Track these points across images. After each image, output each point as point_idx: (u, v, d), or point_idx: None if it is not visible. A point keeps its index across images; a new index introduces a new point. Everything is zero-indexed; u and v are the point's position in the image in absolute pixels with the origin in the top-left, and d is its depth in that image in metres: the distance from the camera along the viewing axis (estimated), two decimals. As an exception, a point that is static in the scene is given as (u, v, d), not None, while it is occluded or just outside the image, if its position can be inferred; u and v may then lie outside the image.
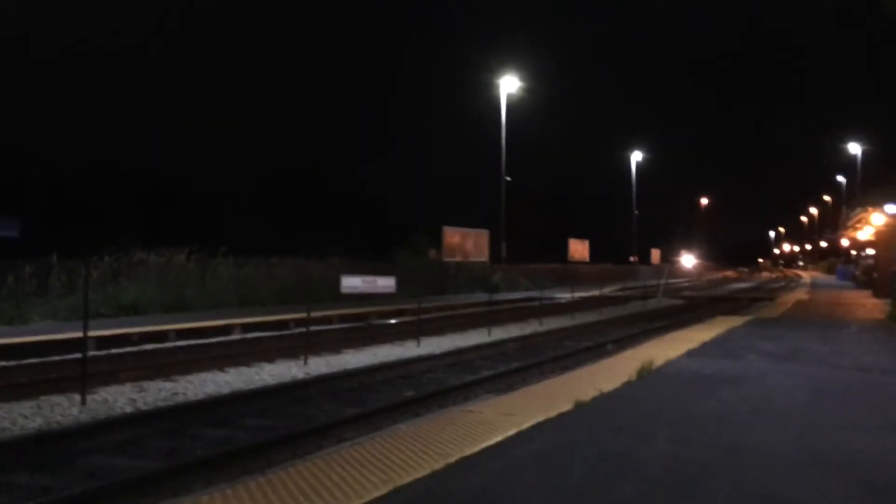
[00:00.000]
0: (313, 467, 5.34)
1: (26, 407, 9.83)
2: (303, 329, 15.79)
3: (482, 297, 30.73)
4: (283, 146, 53.76)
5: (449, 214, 44.32)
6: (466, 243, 42.53)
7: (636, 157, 72.39)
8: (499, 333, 19.75)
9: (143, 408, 10.01)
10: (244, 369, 13.26)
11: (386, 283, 19.96)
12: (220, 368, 13.13)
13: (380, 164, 54.87)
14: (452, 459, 5.50)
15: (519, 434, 6.35)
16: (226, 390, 11.31)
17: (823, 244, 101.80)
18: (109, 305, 20.06)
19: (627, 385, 8.95)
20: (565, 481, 5.09)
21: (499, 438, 6.16)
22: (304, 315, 15.84)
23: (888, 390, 9.00)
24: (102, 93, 41.71)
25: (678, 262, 77.15)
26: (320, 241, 33.16)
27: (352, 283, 19.43)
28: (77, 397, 10.22)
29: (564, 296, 33.35)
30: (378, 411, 9.64)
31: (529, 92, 45.43)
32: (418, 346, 16.87)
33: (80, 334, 10.97)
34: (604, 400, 7.99)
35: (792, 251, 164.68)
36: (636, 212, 72.47)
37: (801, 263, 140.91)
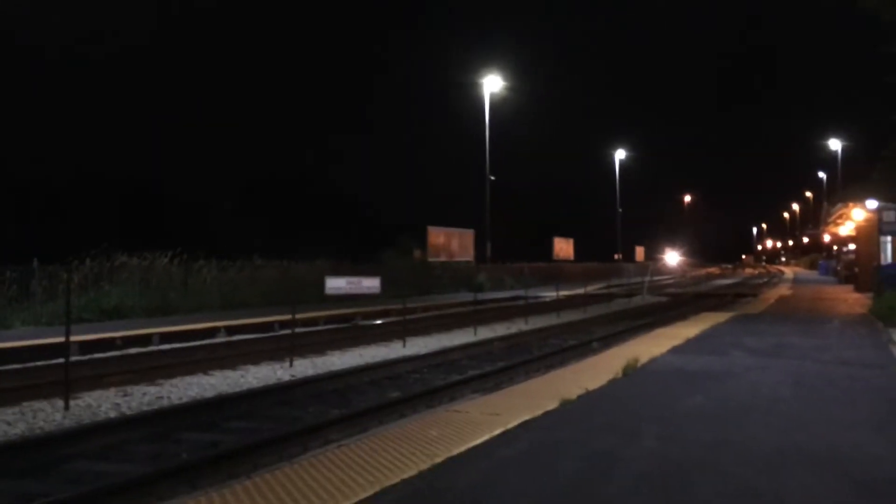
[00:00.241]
0: (300, 469, 5.33)
1: (9, 413, 9.74)
2: (288, 331, 15.74)
3: (468, 296, 30.77)
4: (266, 148, 53.59)
5: (434, 214, 44.41)
6: (451, 243, 42.56)
7: (620, 155, 72.71)
8: (485, 333, 19.77)
9: (128, 412, 9.93)
10: (229, 372, 13.20)
11: (371, 284, 19.91)
12: (205, 372, 13.06)
13: (363, 164, 54.82)
14: (439, 459, 5.50)
15: (505, 433, 6.36)
16: (210, 393, 11.26)
17: (805, 240, 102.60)
18: (92, 310, 19.93)
19: (613, 383, 8.99)
20: (552, 480, 5.10)
21: (485, 438, 6.16)
22: (289, 317, 15.80)
23: (870, 384, 9.07)
24: (81, 97, 41.39)
25: (662, 259, 77.51)
26: (305, 242, 33.11)
27: (336, 284, 19.38)
28: (60, 403, 10.13)
29: (550, 294, 33.43)
30: (364, 412, 9.61)
31: (513, 91, 45.62)
32: (404, 346, 16.85)
33: (63, 339, 10.88)
34: (589, 398, 8.02)
35: (774, 247, 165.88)
36: (620, 210, 72.80)
37: (783, 259, 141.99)
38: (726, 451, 5.84)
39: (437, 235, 41.41)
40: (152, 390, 11.49)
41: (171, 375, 12.52)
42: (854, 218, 33.33)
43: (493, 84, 43.59)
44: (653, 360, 10.86)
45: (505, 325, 22.43)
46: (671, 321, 19.79)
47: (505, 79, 44.07)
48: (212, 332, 18.07)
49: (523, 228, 59.52)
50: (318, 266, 28.89)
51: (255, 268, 27.45)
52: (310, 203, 48.59)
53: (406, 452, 5.71)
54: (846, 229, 39.03)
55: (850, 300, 27.07)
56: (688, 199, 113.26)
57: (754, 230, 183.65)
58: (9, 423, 9.25)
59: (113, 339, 15.72)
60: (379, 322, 22.17)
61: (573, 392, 8.09)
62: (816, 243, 79.51)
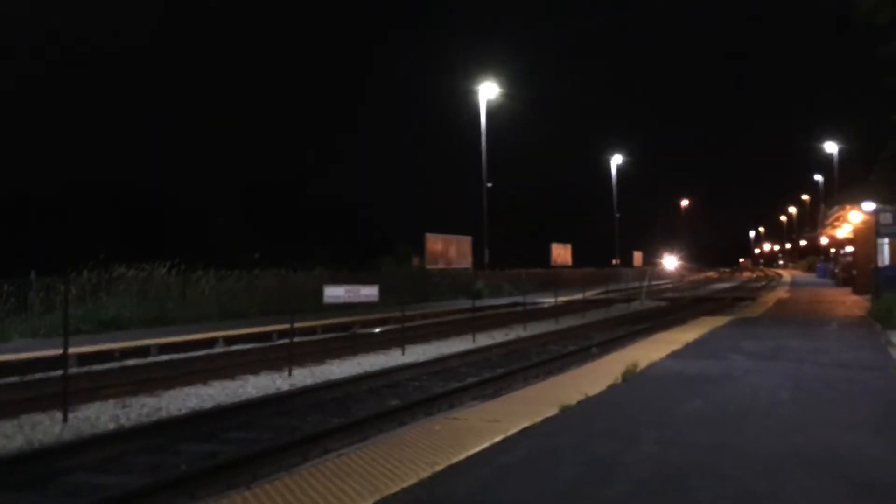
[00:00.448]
0: (299, 479, 5.32)
1: (7, 426, 9.71)
2: (286, 340, 15.72)
3: (466, 303, 30.75)
4: (262, 154, 53.59)
5: (431, 221, 44.41)
6: (449, 250, 42.56)
7: (616, 160, 72.80)
8: (483, 340, 19.76)
9: (126, 424, 9.91)
10: (228, 382, 13.18)
11: (369, 292, 19.91)
12: (204, 382, 13.04)
13: (360, 171, 54.84)
14: (439, 468, 5.49)
15: (505, 440, 6.35)
16: (209, 404, 11.23)
17: (803, 243, 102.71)
18: (90, 321, 19.90)
19: (612, 388, 8.98)
20: (552, 486, 5.09)
21: (485, 445, 6.16)
22: (287, 326, 15.78)
23: (869, 387, 9.08)
24: (76, 106, 41.36)
25: (660, 263, 77.55)
26: (302, 251, 33.09)
27: (335, 292, 19.39)
28: (59, 415, 10.11)
29: (548, 300, 33.42)
30: (363, 421, 9.60)
31: (510, 97, 45.68)
32: (403, 354, 16.83)
33: (61, 351, 10.86)
34: (589, 404, 8.01)
35: (772, 250, 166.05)
36: (617, 215, 72.85)
37: (781, 262, 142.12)
38: (726, 454, 5.84)
39: (435, 242, 41.42)
40: (151, 402, 11.46)
41: (169, 386, 12.50)
42: (851, 220, 33.37)
43: (489, 91, 43.66)
44: (652, 365, 10.86)
45: (503, 331, 22.41)
46: (670, 326, 19.79)
47: (502, 83, 44.12)
48: (210, 343, 18.04)
49: (521, 234, 59.58)
50: (317, 275, 28.89)
51: (253, 277, 27.44)
52: (307, 210, 48.58)
53: (406, 461, 5.70)
54: (843, 232, 39.06)
55: (849, 302, 27.10)
56: (685, 203, 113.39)
57: (752, 234, 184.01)
58: (7, 437, 9.23)
59: (111, 351, 15.69)
60: (377, 330, 22.15)
61: (573, 398, 8.09)
62: (814, 246, 79.59)
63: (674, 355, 12.09)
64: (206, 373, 13.63)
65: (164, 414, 10.59)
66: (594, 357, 13.73)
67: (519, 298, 32.30)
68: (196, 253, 26.33)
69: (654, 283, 57.52)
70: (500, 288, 41.88)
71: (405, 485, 5.09)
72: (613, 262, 72.57)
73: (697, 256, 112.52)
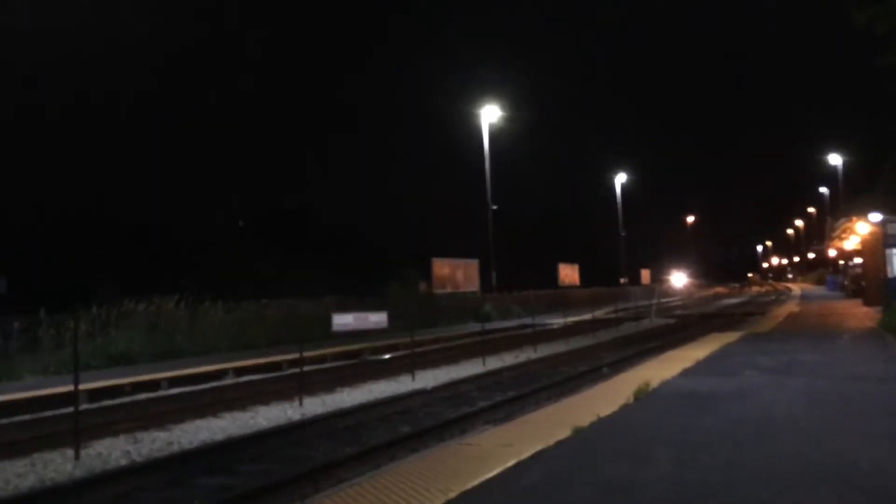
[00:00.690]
0: (312, 510, 5.28)
1: (19, 465, 9.69)
2: (296, 370, 15.68)
3: (475, 327, 30.63)
4: (265, 182, 53.67)
5: (437, 246, 44.39)
6: (456, 274, 42.55)
7: (620, 179, 72.89)
8: (493, 363, 19.68)
9: (138, 459, 9.88)
10: (239, 414, 13.14)
11: (378, 319, 19.87)
12: (215, 414, 13.00)
13: (364, 197, 54.98)
14: (453, 494, 5.45)
15: (518, 464, 6.30)
16: (221, 437, 11.20)
17: (811, 256, 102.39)
18: (100, 357, 19.91)
19: (625, 408, 8.92)
20: (567, 510, 5.04)
21: (499, 470, 6.11)
22: (296, 356, 15.75)
23: (884, 399, 9.00)
24: (74, 140, 41.53)
25: (668, 281, 77.36)
26: (309, 280, 33.08)
27: (343, 320, 19.36)
28: (70, 452, 10.08)
29: (557, 321, 33.32)
30: (376, 449, 9.56)
31: (512, 119, 45.84)
32: (413, 380, 16.77)
33: (72, 388, 10.86)
34: (602, 425, 7.95)
35: (780, 264, 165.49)
36: (623, 233, 72.77)
37: (790, 276, 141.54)
38: (742, 472, 5.78)
39: (442, 267, 41.42)
40: (163, 436, 11.43)
41: (181, 420, 12.47)
42: (858, 232, 33.28)
43: (491, 113, 43.87)
44: (664, 384, 10.79)
45: (514, 354, 22.33)
46: (680, 343, 19.69)
47: (503, 105, 44.26)
48: (220, 375, 18.02)
49: (528, 256, 59.47)
50: (325, 303, 28.86)
51: (261, 307, 27.45)
52: (312, 239, 48.63)
53: (420, 488, 5.66)
54: (851, 243, 38.94)
55: (859, 315, 26.93)
56: (691, 219, 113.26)
57: (759, 248, 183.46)
58: (19, 476, 9.20)
59: (122, 386, 15.68)
60: (387, 357, 22.10)
61: (585, 419, 8.04)
62: (822, 259, 79.31)
63: (686, 373, 12.02)
64: (216, 405, 13.60)
65: (175, 448, 10.55)
66: (606, 377, 13.66)
67: (528, 320, 32.22)
68: (203, 284, 26.35)
69: (662, 300, 57.35)
70: (509, 310, 41.78)
71: (420, 513, 5.05)
72: (621, 280, 72.38)
73: (706, 272, 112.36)
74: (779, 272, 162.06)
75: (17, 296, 22.42)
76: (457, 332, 30.31)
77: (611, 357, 19.78)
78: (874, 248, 30.81)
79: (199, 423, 12.40)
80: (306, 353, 15.87)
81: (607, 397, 9.72)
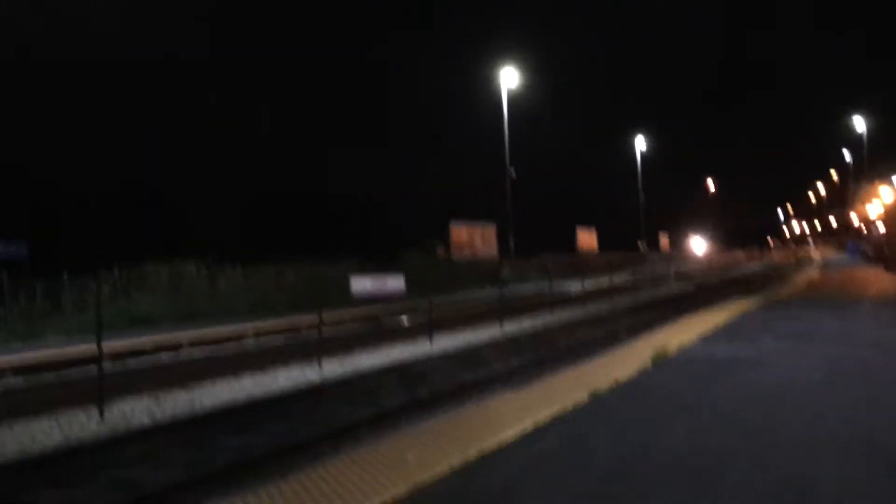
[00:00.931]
0: (333, 470, 5.36)
1: (45, 423, 9.88)
2: (315, 333, 15.81)
3: (493, 292, 30.71)
4: (284, 151, 53.59)
5: (455, 211, 44.29)
6: (474, 239, 42.54)
7: (640, 143, 72.22)
8: (511, 327, 19.75)
9: (161, 419, 10.05)
10: (259, 375, 13.29)
11: (396, 284, 19.98)
12: (236, 375, 13.16)
13: (381, 163, 54.72)
14: (471, 456, 5.50)
15: (536, 428, 6.35)
16: (242, 397, 11.35)
17: (833, 221, 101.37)
18: (122, 319, 20.17)
19: (642, 373, 8.94)
20: (585, 472, 5.09)
21: (517, 433, 6.16)
22: (315, 319, 15.87)
23: (905, 365, 8.96)
24: (99, 104, 41.57)
25: (688, 246, 76.94)
26: (328, 245, 33.19)
27: (361, 284, 19.47)
28: (95, 411, 10.27)
29: (575, 286, 33.32)
30: (394, 411, 9.66)
31: (531, 83, 45.44)
32: (431, 344, 16.87)
33: (95, 348, 11.02)
34: (619, 389, 7.98)
35: (801, 229, 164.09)
36: (642, 199, 72.29)
37: (810, 241, 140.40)
38: (759, 438, 5.79)
39: (460, 232, 41.41)
40: (184, 396, 11.60)
41: (202, 380, 12.63)
42: (882, 197, 32.89)
43: (510, 77, 43.47)
44: (682, 349, 10.80)
45: (531, 318, 22.38)
46: (699, 308, 19.65)
47: (522, 69, 43.89)
48: (240, 336, 18.21)
49: (546, 221, 59.24)
50: (344, 268, 29.02)
51: (280, 271, 27.63)
52: (329, 205, 48.66)
53: (438, 450, 5.72)
54: (874, 208, 38.51)
55: (881, 281, 26.72)
56: (711, 183, 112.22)
57: (780, 213, 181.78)
58: (45, 433, 9.40)
59: (144, 347, 15.90)
60: (405, 320, 22.22)
61: (603, 384, 8.07)
62: (844, 224, 78.47)
63: (704, 339, 12.01)
64: (237, 366, 13.76)
65: (197, 407, 10.71)
66: (623, 342, 13.68)
67: (546, 285, 32.25)
68: (223, 248, 26.53)
69: (681, 266, 57.12)
70: (527, 275, 41.78)
71: (438, 474, 5.11)
72: (640, 245, 72.07)
73: (725, 238, 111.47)
74: (799, 238, 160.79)
75: (38, 260, 22.71)
76: (475, 296, 30.39)
77: (629, 322, 19.79)
78: (897, 214, 30.47)
79: (221, 383, 12.56)
80: (325, 317, 15.98)
81: (625, 362, 9.74)
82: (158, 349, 16.06)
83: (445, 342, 17.10)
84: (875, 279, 28.35)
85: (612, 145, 76.74)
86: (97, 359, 10.86)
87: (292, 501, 4.71)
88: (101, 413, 10.17)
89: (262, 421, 9.63)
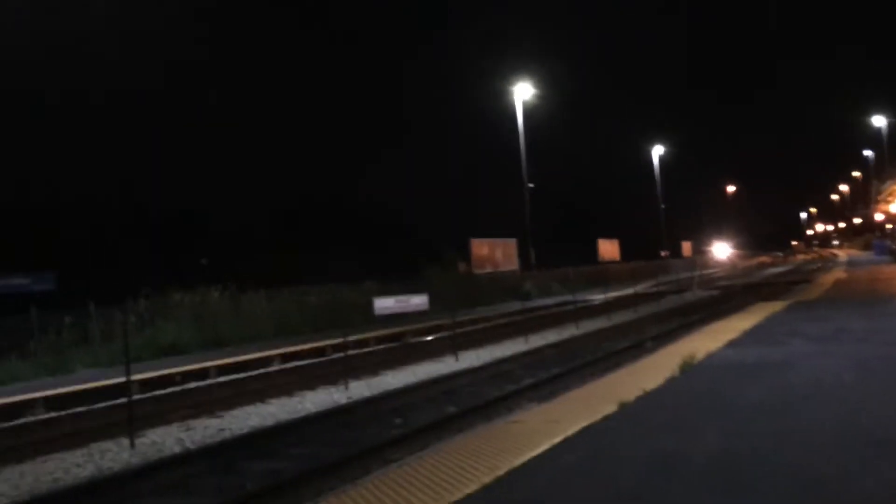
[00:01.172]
0: (363, 491, 5.35)
1: (78, 455, 9.97)
2: (341, 354, 15.86)
3: (516, 305, 30.65)
4: (303, 169, 53.86)
5: (475, 226, 44.35)
6: (495, 253, 42.54)
7: (658, 150, 71.97)
8: (536, 341, 19.68)
9: (191, 446, 10.11)
10: (286, 399, 13.34)
11: (419, 302, 20.02)
12: (263, 400, 13.22)
13: (400, 179, 54.90)
14: (501, 472, 5.48)
15: (565, 441, 6.31)
16: (270, 422, 11.39)
17: (857, 221, 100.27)
18: (149, 348, 20.32)
19: (670, 381, 8.87)
20: (616, 483, 5.05)
21: (546, 447, 6.13)
22: (340, 341, 15.92)
23: (937, 363, 8.82)
24: (116, 133, 42.17)
25: (710, 252, 76.38)
26: (348, 265, 33.30)
27: (385, 304, 19.54)
28: (126, 441, 10.35)
29: (598, 297, 33.16)
30: (422, 429, 9.65)
31: (546, 96, 45.59)
32: (456, 360, 16.85)
33: (124, 379, 11.12)
34: (648, 398, 7.92)
35: (825, 231, 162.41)
36: (663, 206, 71.95)
37: (835, 242, 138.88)
38: (791, 441, 5.72)
39: (481, 246, 41.43)
40: (213, 423, 11.66)
41: (230, 407, 12.70)
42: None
43: (524, 91, 43.60)
44: (710, 356, 10.69)
45: (556, 331, 22.30)
46: (725, 314, 19.47)
47: (537, 81, 44.08)
48: (267, 361, 18.28)
49: (567, 232, 59.09)
50: (366, 288, 29.09)
51: (302, 294, 27.75)
52: (348, 224, 48.85)
53: (467, 467, 5.70)
54: (899, 206, 38.07)
55: (909, 278, 26.36)
56: (731, 188, 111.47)
57: (803, 215, 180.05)
58: (78, 465, 9.48)
59: (172, 376, 16.01)
60: (429, 338, 22.21)
61: (631, 394, 8.01)
62: (869, 223, 77.63)
63: (731, 344, 11.89)
64: (264, 391, 13.82)
65: (226, 434, 10.76)
66: (650, 351, 13.58)
67: (569, 297, 32.12)
68: (245, 273, 26.69)
69: (705, 271, 56.70)
70: (549, 288, 41.67)
71: (468, 491, 5.09)
72: (662, 253, 71.65)
73: (748, 242, 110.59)
74: (824, 239, 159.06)
75: (64, 291, 22.99)
76: (498, 311, 30.33)
77: (654, 331, 19.66)
78: (923, 211, 30.07)
79: (249, 409, 12.62)
80: (349, 338, 16.03)
81: (653, 371, 9.67)
82: (186, 377, 16.15)
83: (471, 358, 17.08)
84: (903, 277, 27.98)
85: (633, 155, 76.53)
86: (126, 389, 10.95)
87: (324, 524, 4.71)
88: (132, 443, 10.24)
89: (290, 444, 9.65)
